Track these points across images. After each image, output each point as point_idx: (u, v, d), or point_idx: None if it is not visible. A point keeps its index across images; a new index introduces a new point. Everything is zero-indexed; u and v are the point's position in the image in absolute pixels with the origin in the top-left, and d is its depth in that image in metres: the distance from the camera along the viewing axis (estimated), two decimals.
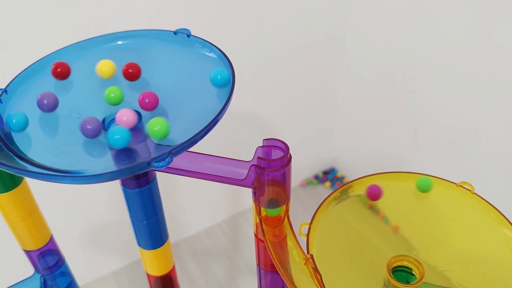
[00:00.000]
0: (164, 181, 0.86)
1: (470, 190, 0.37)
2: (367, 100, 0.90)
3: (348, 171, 1.04)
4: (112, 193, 0.82)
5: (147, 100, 0.30)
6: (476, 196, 0.37)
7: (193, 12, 0.65)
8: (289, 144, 0.32)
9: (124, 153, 0.30)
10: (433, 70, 0.72)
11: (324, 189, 1.05)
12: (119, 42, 0.36)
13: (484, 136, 0.68)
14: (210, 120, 0.28)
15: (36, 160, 0.29)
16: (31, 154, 0.29)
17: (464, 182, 0.37)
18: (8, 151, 0.28)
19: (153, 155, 0.27)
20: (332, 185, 1.03)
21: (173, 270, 0.44)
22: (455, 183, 0.38)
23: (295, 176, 1.02)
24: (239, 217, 1.04)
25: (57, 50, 0.35)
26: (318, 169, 1.06)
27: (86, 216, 0.83)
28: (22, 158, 0.29)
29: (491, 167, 0.69)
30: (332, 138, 1.03)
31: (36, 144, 0.29)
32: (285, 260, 0.34)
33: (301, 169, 1.03)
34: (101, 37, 0.35)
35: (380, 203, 0.39)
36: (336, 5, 0.82)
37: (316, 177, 1.05)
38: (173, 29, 0.36)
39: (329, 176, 1.04)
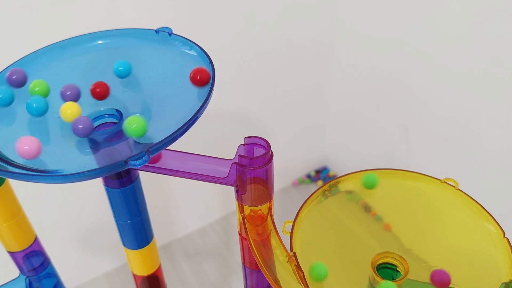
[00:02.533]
0: (155, 181, 0.85)
1: (454, 186, 0.37)
2: (359, 98, 0.90)
3: (340, 169, 1.04)
4: (102, 194, 0.82)
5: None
6: (460, 192, 0.37)
7: (179, 12, 0.65)
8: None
9: (104, 152, 0.30)
10: (424, 68, 0.72)
11: (316, 188, 1.04)
12: (99, 42, 0.36)
13: (474, 133, 0.68)
14: (188, 119, 0.28)
15: (15, 161, 0.29)
16: (9, 154, 0.29)
17: (448, 178, 0.37)
18: None
19: (131, 154, 0.27)
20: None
21: (159, 269, 0.43)
22: (440, 179, 0.38)
23: (287, 175, 1.01)
24: (231, 217, 1.03)
25: (38, 50, 0.35)
26: (310, 168, 1.06)
27: (77, 217, 0.83)
28: (1, 159, 0.29)
29: (481, 164, 0.69)
30: (324, 137, 1.02)
31: (13, 144, 0.29)
32: (269, 259, 0.34)
33: (293, 168, 1.03)
34: (81, 36, 0.35)
35: (368, 199, 0.39)
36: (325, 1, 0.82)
37: (308, 176, 1.05)
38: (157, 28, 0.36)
39: (321, 175, 1.04)
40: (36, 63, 0.34)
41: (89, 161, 0.29)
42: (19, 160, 0.28)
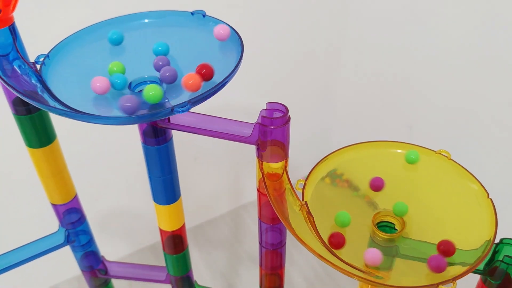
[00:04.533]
0: None
1: (447, 156, 0.42)
2: (365, 100, 0.95)
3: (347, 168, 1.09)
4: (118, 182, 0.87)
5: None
6: (452, 161, 0.42)
7: None
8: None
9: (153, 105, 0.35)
10: (429, 70, 0.77)
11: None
12: (146, 20, 0.42)
13: (479, 130, 0.73)
14: (222, 79, 0.34)
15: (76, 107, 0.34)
16: (72, 104, 0.34)
17: (442, 150, 0.43)
18: (54, 100, 0.34)
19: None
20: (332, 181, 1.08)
21: (183, 228, 0.49)
22: (435, 151, 0.43)
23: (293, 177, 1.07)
24: (241, 210, 1.09)
25: (95, 23, 0.41)
26: None
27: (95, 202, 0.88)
28: (64, 105, 0.34)
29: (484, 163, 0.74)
30: (331, 138, 1.08)
31: (77, 99, 0.35)
32: (285, 211, 0.39)
33: (301, 167, 1.08)
34: (131, 15, 0.41)
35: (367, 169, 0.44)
36: (334, 14, 0.88)
37: None
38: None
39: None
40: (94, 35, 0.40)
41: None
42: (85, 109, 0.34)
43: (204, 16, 0.41)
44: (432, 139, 0.81)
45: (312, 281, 0.94)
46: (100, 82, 0.32)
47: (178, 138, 0.69)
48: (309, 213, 0.37)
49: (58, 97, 0.34)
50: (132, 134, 0.72)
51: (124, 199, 0.92)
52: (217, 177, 1.02)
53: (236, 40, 0.38)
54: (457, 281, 0.34)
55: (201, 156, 0.96)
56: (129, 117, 0.32)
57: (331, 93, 1.01)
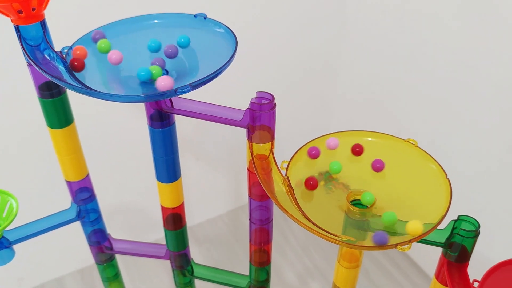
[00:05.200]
0: None
1: (414, 144, 0.48)
2: (362, 109, 1.02)
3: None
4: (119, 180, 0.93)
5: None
6: (418, 148, 0.48)
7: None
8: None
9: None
10: (418, 75, 0.84)
11: None
12: (155, 21, 0.48)
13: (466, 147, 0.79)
14: (217, 68, 0.40)
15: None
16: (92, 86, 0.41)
17: (410, 139, 0.49)
18: (76, 81, 0.40)
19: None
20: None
21: (182, 207, 0.55)
22: (403, 139, 0.49)
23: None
24: (239, 210, 1.14)
25: (109, 23, 0.48)
26: None
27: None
28: (84, 85, 0.40)
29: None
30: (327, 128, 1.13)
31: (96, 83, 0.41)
32: (272, 187, 0.45)
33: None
34: (141, 16, 0.48)
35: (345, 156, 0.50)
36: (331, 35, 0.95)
37: None
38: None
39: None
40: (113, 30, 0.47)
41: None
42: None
43: (205, 18, 0.48)
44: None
45: (302, 275, 0.99)
46: (115, 54, 0.39)
47: (182, 138, 0.76)
48: (290, 186, 0.43)
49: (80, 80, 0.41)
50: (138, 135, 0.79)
51: (126, 196, 0.99)
52: (218, 178, 1.08)
53: (232, 38, 0.45)
54: (425, 260, 0.40)
55: (203, 157, 1.02)
56: (139, 96, 0.38)
57: (328, 97, 1.08)
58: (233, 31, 0.46)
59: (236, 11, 0.84)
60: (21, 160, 0.81)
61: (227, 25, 0.47)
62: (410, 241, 0.40)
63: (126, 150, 0.89)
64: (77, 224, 0.76)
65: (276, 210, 0.87)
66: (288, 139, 0.80)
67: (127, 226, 1.02)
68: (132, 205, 1.01)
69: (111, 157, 0.89)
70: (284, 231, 1.09)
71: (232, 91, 0.84)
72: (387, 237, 0.40)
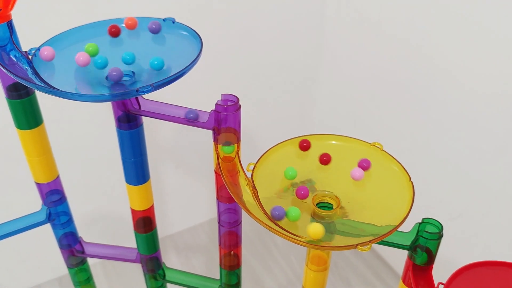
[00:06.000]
0: (154, 184, 0.98)
1: (379, 148, 0.49)
2: (337, 113, 1.03)
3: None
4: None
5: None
6: (384, 152, 0.49)
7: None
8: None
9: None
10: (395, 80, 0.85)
11: None
12: (124, 25, 0.49)
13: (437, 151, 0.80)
14: (180, 69, 0.41)
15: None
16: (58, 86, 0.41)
17: (376, 142, 0.49)
18: (41, 81, 0.41)
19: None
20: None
21: (151, 210, 0.55)
22: (369, 143, 0.50)
23: None
24: None
25: (77, 26, 0.48)
26: None
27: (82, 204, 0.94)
28: (49, 85, 0.41)
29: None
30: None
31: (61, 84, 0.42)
32: (238, 189, 0.45)
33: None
34: (108, 20, 0.48)
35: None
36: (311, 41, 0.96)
37: None
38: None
39: None
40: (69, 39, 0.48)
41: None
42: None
43: (173, 22, 0.49)
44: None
45: (282, 285, 0.99)
46: (83, 56, 0.40)
47: (161, 145, 0.76)
48: (254, 187, 0.44)
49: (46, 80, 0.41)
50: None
51: (102, 202, 0.98)
52: (198, 186, 1.08)
53: (198, 41, 0.46)
54: (395, 263, 0.40)
55: (182, 164, 1.02)
56: (103, 95, 0.39)
57: (309, 97, 1.09)
58: (203, 35, 0.47)
59: (207, 15, 0.85)
60: None
61: (197, 29, 0.48)
62: (370, 242, 0.40)
63: (97, 153, 0.89)
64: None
65: (253, 222, 0.87)
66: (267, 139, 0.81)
67: (100, 231, 1.01)
68: (105, 209, 1.00)
69: (81, 160, 0.89)
70: (266, 242, 1.09)
71: (202, 94, 0.85)
72: (283, 211, 0.41)
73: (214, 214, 1.14)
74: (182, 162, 1.02)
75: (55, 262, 0.98)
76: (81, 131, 0.84)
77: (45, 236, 0.78)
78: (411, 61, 0.80)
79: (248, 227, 1.08)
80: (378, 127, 0.93)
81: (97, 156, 0.89)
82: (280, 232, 0.40)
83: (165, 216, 1.08)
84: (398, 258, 0.98)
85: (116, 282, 1.00)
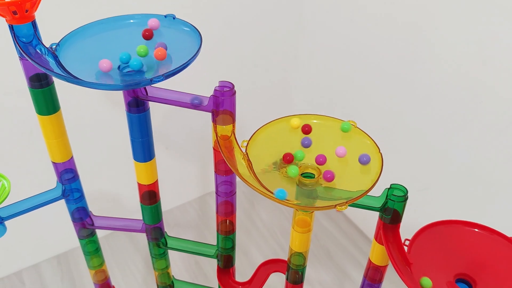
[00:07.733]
0: None
1: (353, 125, 0.57)
2: (318, 95, 1.11)
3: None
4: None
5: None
6: (357, 128, 0.57)
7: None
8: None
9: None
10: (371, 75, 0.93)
11: None
12: (131, 21, 0.55)
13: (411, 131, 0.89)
14: (185, 61, 0.48)
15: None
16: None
17: (350, 120, 0.58)
18: (63, 71, 0.47)
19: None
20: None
21: (156, 184, 0.62)
22: (343, 120, 0.58)
23: None
24: (207, 196, 1.22)
25: (90, 22, 0.55)
26: None
27: None
28: (74, 77, 0.47)
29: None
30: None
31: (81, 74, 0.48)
32: (234, 163, 0.53)
33: None
34: (120, 16, 0.55)
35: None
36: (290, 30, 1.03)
37: None
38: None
39: None
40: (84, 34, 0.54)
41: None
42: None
43: (174, 18, 0.56)
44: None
45: (268, 256, 1.08)
46: (106, 63, 0.46)
47: (152, 128, 0.82)
48: (248, 160, 0.51)
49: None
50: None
51: (108, 182, 1.05)
52: (187, 166, 1.15)
53: (197, 36, 0.53)
54: (366, 228, 0.48)
55: (172, 146, 1.09)
56: (120, 84, 0.46)
57: (289, 84, 1.17)
58: (200, 29, 0.54)
59: (203, 12, 0.92)
60: (12, 145, 0.87)
61: (195, 23, 0.55)
62: (346, 202, 0.49)
63: (108, 136, 0.96)
64: (53, 212, 0.82)
65: (241, 200, 0.96)
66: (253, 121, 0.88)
67: (106, 207, 1.08)
68: (111, 187, 1.06)
69: (94, 142, 0.95)
70: (252, 216, 1.17)
71: (199, 81, 0.92)
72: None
73: (203, 192, 1.22)
74: (171, 143, 1.09)
75: (53, 241, 1.05)
76: (92, 117, 0.91)
77: (43, 216, 0.85)
78: (387, 42, 0.88)
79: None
80: (353, 106, 1.01)
81: (106, 139, 0.96)
82: (273, 197, 0.48)
83: None
84: (369, 224, 1.07)
85: (119, 253, 1.07)
